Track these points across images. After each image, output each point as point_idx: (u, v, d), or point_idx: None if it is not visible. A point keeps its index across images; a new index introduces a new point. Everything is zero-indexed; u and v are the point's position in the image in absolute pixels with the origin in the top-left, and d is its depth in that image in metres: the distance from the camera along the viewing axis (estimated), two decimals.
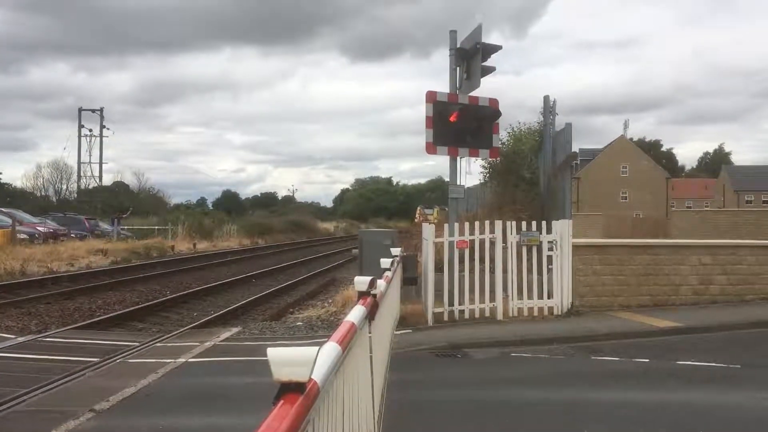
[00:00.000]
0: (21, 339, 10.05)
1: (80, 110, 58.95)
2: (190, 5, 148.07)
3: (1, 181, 75.82)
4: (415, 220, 61.01)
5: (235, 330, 11.23)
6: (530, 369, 8.24)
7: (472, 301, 10.92)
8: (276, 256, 33.79)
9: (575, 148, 16.15)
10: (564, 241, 11.22)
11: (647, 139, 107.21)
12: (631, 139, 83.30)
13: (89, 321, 12.37)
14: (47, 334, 10.73)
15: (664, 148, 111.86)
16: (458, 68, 11.51)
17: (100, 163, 59.79)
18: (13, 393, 6.58)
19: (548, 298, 11.18)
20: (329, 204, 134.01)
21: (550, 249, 11.22)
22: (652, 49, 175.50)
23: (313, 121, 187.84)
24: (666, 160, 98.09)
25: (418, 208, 68.57)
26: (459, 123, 11.16)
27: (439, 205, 68.76)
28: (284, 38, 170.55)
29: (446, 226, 11.21)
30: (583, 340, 9.58)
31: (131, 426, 5.87)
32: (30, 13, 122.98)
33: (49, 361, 8.43)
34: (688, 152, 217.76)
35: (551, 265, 11.25)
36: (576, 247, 11.49)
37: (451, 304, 10.85)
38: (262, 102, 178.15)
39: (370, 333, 4.08)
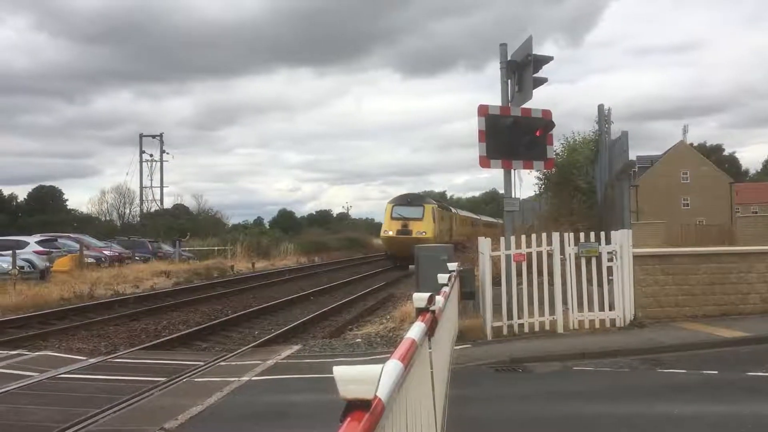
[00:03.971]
0: (92, 360, 10.42)
1: (141, 136, 60.96)
2: (247, 31, 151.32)
3: (68, 207, 79.17)
4: (384, 233, 38.47)
5: (295, 348, 11.38)
6: (593, 383, 8.10)
7: (531, 314, 10.81)
8: (332, 273, 34.07)
9: (632, 155, 15.89)
10: (624, 251, 11.01)
11: (708, 144, 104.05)
12: (690, 144, 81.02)
13: (155, 341, 12.70)
14: (116, 355, 11.09)
15: (726, 153, 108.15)
16: (510, 80, 11.48)
17: (161, 187, 61.58)
18: (87, 413, 6.83)
19: (609, 310, 10.97)
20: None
21: (610, 260, 11.01)
22: (712, 52, 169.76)
23: (367, 138, 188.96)
24: (729, 165, 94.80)
25: (388, 206, 38.95)
26: (512, 135, 11.11)
27: (438, 201, 44.28)
28: (338, 58, 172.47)
29: (502, 239, 11.15)
30: (647, 352, 9.37)
31: None
32: (94, 44, 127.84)
33: (119, 382, 8.71)
34: (752, 156, 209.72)
35: (611, 276, 11.05)
36: (637, 257, 11.26)
37: (510, 317, 10.76)
38: (316, 121, 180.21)
39: (430, 349, 4.11)
